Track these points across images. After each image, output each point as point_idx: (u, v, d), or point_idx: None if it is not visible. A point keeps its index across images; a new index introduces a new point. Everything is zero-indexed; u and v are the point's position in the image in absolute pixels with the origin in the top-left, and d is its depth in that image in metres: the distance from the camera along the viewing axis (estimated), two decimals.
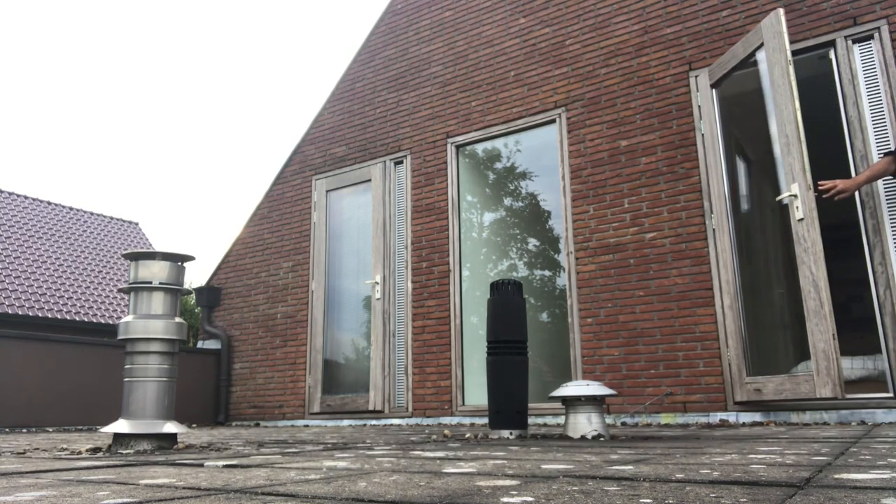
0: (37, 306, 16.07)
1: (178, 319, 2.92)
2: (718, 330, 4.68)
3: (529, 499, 1.09)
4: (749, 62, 4.94)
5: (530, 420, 5.32)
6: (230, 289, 7.59)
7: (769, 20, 4.41)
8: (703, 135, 5.02)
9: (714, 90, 5.02)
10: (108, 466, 1.92)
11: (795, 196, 4.12)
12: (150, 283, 2.87)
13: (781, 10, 4.34)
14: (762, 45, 4.49)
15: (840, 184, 4.15)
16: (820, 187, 4.18)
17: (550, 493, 1.16)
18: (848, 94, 4.53)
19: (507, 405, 3.33)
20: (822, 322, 3.89)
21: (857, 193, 4.40)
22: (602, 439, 3.00)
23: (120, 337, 2.86)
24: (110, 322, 17.32)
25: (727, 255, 4.71)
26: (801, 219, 4.08)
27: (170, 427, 2.77)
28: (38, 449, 2.91)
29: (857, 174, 4.41)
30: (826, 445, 2.21)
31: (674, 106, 5.20)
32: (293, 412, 6.70)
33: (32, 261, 17.39)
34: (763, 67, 4.57)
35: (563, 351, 5.64)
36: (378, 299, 6.32)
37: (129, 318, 2.86)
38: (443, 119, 6.45)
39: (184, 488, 1.34)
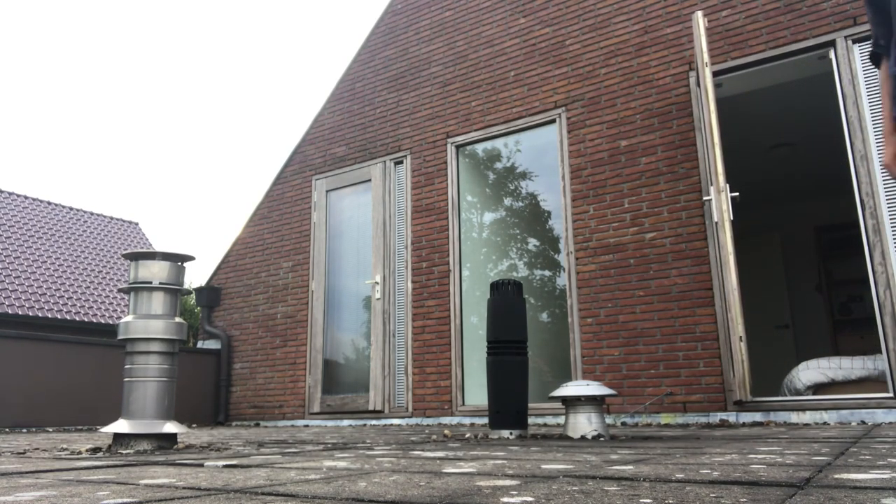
0: (37, 306, 16.06)
1: (178, 319, 2.92)
2: (718, 330, 4.68)
3: (529, 499, 1.09)
4: (752, 63, 4.95)
5: (530, 420, 5.32)
6: (230, 289, 7.59)
7: (694, 23, 4.48)
8: (703, 135, 5.02)
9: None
10: (108, 466, 1.92)
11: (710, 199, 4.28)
12: (150, 283, 2.87)
13: (699, 13, 4.38)
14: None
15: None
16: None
17: (550, 493, 1.15)
18: (848, 94, 4.53)
19: (507, 405, 3.32)
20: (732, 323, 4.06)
21: (856, 193, 4.39)
22: (602, 439, 3.00)
23: (120, 337, 2.86)
24: (110, 322, 17.31)
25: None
26: (716, 221, 4.23)
27: (170, 427, 2.77)
28: (38, 449, 2.91)
29: (856, 174, 4.39)
30: (826, 445, 2.21)
31: (674, 106, 5.20)
32: (293, 412, 6.70)
33: (32, 261, 17.38)
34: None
35: (563, 351, 5.63)
36: (378, 299, 6.32)
37: (129, 318, 2.86)
38: (443, 119, 6.45)
39: (184, 488, 1.34)
